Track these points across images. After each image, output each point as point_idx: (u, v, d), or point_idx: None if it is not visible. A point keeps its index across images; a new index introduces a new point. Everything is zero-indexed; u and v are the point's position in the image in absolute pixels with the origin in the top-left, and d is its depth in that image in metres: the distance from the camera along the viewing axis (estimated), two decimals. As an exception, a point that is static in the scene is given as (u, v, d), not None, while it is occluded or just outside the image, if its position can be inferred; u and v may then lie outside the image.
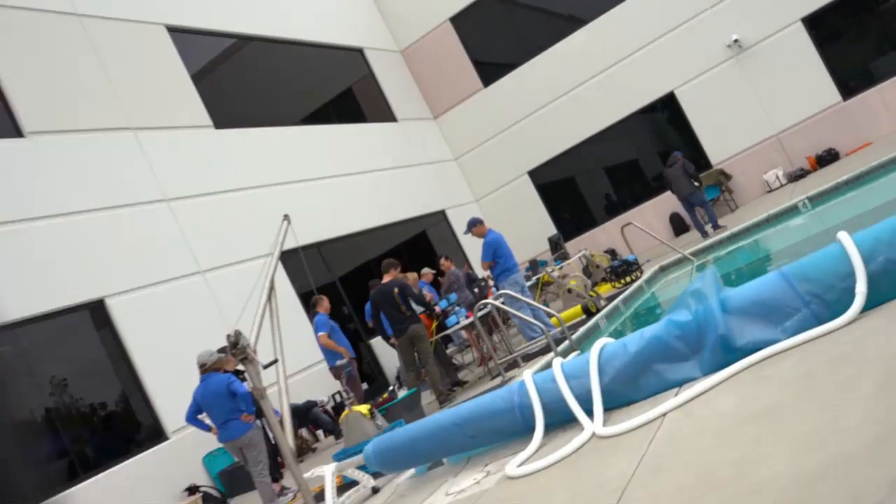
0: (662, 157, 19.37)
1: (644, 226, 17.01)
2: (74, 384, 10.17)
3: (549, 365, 6.02)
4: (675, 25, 17.92)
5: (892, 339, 3.83)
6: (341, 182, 16.03)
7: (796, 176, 17.27)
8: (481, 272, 17.37)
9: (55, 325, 10.16)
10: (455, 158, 20.57)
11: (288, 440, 5.65)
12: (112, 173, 11.54)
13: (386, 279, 10.26)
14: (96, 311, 10.56)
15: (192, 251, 12.14)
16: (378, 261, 14.99)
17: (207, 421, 7.48)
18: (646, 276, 13.59)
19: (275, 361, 5.61)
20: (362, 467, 6.16)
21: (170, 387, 10.30)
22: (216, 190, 13.07)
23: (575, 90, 19.11)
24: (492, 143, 20.18)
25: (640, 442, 4.19)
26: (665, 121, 19.18)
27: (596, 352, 5.03)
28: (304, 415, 11.31)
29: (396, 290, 10.10)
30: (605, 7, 18.63)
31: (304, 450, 11.50)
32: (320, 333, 10.08)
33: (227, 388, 7.17)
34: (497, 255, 10.66)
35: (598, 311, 11.46)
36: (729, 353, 4.56)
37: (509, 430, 5.39)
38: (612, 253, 17.53)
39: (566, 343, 9.58)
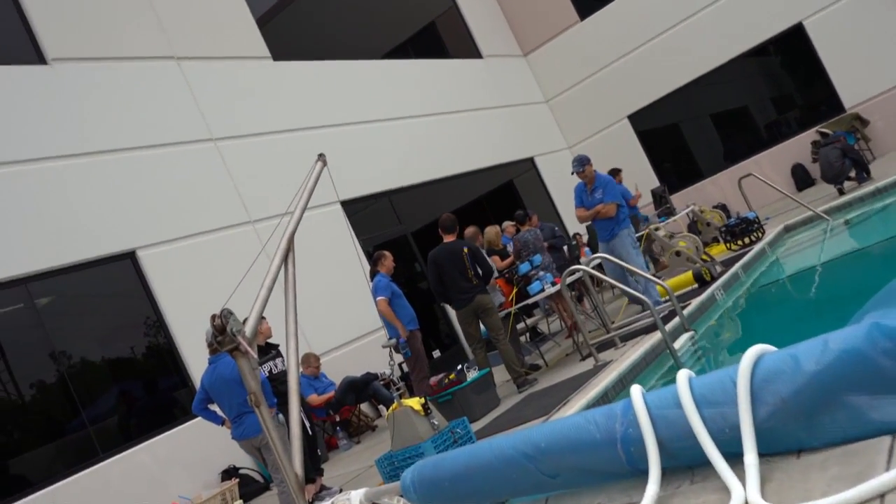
0: (778, 102, 16.92)
1: (757, 188, 14.80)
2: (96, 349, 8.92)
3: (666, 376, 4.22)
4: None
5: None
6: (416, 124, 14.33)
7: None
8: (576, 227, 15.49)
9: (78, 280, 8.89)
10: (546, 100, 18.57)
11: (294, 463, 4.07)
12: (151, 108, 10.14)
13: (448, 239, 8.56)
14: (126, 266, 9.25)
15: (241, 198, 10.70)
16: (458, 213, 13.29)
17: (220, 412, 6.02)
18: (769, 236, 11.50)
19: (273, 356, 4.00)
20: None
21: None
22: (271, 130, 11.57)
23: (683, 23, 16.77)
24: (587, 83, 18.06)
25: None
26: (786, 59, 16.67)
27: (748, 367, 3.21)
28: (363, 389, 9.83)
29: (466, 250, 8.41)
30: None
31: (362, 427, 10.04)
32: (379, 298, 8.44)
33: (238, 374, 5.66)
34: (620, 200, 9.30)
35: (714, 279, 9.55)
36: None
37: (607, 470, 3.67)
38: (724, 209, 15.36)
39: (676, 320, 7.74)
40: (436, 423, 5.92)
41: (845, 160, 12.38)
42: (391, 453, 5.92)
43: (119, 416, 8.89)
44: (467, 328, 8.47)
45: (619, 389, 6.57)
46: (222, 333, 4.01)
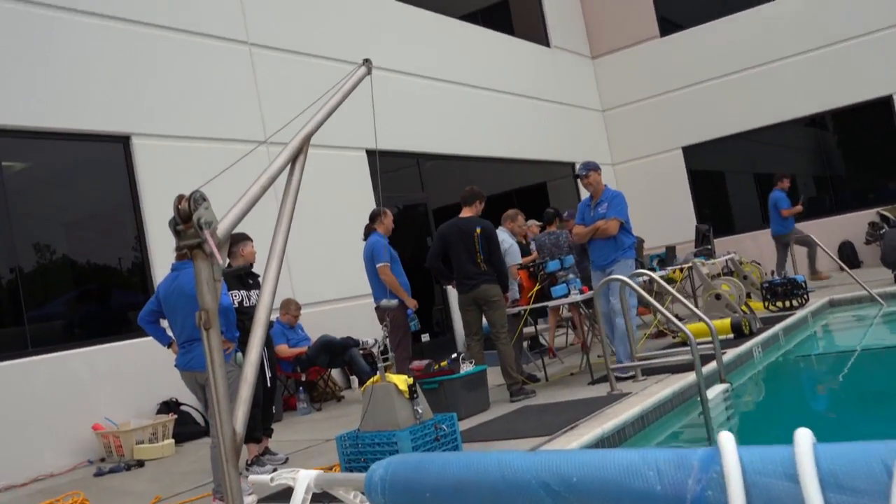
0: (840, 173, 15.80)
1: (797, 253, 13.75)
2: (57, 235, 7.88)
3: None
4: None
5: None
6: (466, 93, 13.26)
7: None
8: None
9: (56, 152, 7.84)
10: (602, 109, 17.49)
11: (236, 415, 3.04)
12: (189, -11, 9.08)
13: (466, 213, 7.52)
14: (115, 151, 8.20)
15: (262, 115, 9.64)
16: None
17: (169, 332, 4.96)
18: (813, 305, 10.44)
19: (250, 286, 2.95)
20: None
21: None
22: (312, 52, 10.49)
23: (769, 65, 15.66)
24: (651, 102, 16.97)
25: None
26: (861, 130, 15.56)
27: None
28: (339, 353, 8.78)
29: (479, 230, 7.34)
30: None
31: (328, 394, 9.00)
32: (382, 263, 7.39)
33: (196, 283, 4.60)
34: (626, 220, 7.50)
35: (753, 333, 8.48)
36: None
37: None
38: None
39: (712, 365, 6.69)
40: (419, 410, 4.87)
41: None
42: (357, 433, 4.86)
43: (62, 313, 7.84)
44: (466, 316, 7.43)
45: (637, 427, 5.53)
46: (185, 222, 2.95)
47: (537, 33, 16.13)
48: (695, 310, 6.94)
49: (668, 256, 11.34)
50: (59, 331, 7.72)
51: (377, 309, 7.46)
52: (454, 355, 6.98)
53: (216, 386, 3.01)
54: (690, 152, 16.74)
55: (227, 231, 3.12)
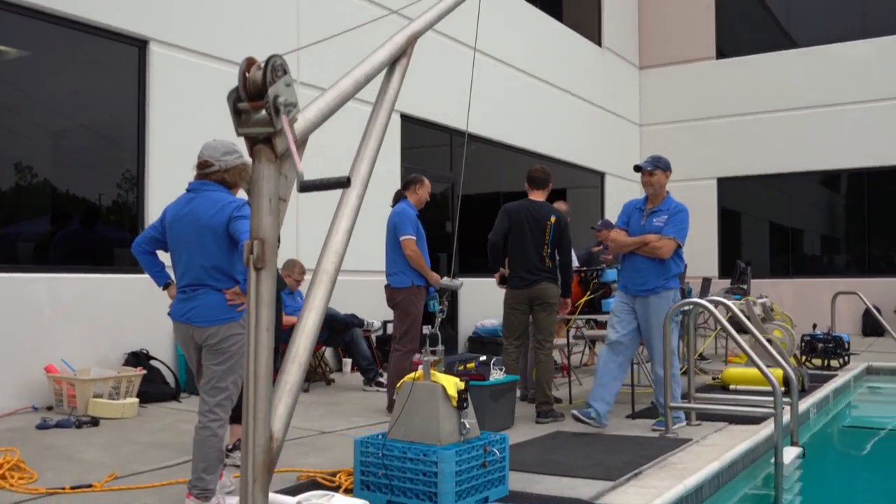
0: (877, 235, 14.89)
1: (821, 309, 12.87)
2: (43, 139, 6.73)
3: None
4: None
5: None
6: (508, 74, 12.18)
7: None
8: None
9: (67, 45, 6.69)
10: (640, 123, 16.49)
11: (275, 420, 1.96)
12: None
13: (536, 197, 6.48)
14: (127, 54, 7.06)
15: (298, 54, 8.50)
16: (506, 196, 11.13)
17: (169, 269, 3.84)
18: (855, 369, 9.49)
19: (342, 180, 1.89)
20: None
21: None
22: (365, -7, 9.39)
23: (831, 108, 14.72)
24: (693, 125, 15.98)
25: None
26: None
27: None
28: (341, 331, 7.70)
29: (554, 219, 6.34)
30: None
31: (317, 374, 7.90)
32: (407, 237, 6.32)
33: (224, 222, 3.49)
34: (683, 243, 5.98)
35: (805, 390, 7.51)
36: None
37: None
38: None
39: (786, 419, 5.67)
40: (467, 425, 3.80)
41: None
42: (385, 439, 3.79)
43: (33, 234, 6.70)
44: (513, 316, 6.37)
45: (713, 487, 4.50)
46: (254, 98, 1.88)
47: (590, 29, 15.08)
48: (776, 355, 5.92)
49: (703, 290, 10.36)
50: (25, 252, 6.58)
51: (396, 291, 6.40)
52: (483, 358, 5.93)
53: (255, 362, 1.92)
54: (726, 185, 15.80)
55: (309, 128, 2.05)
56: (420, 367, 5.78)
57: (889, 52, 14.26)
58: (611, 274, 6.66)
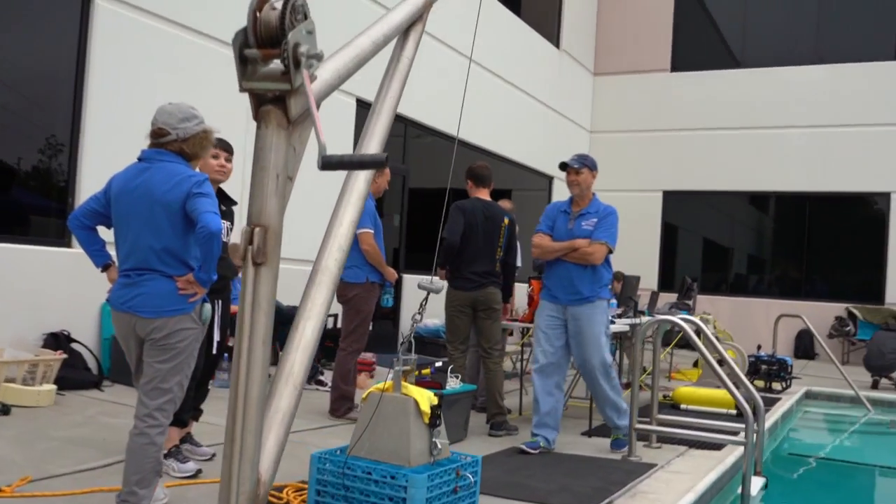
0: (815, 258, 15.04)
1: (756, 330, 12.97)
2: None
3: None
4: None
5: None
6: (464, 67, 11.79)
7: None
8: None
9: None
10: (591, 130, 16.33)
11: (263, 457, 1.53)
12: None
13: (480, 195, 6.20)
14: (72, 7, 6.43)
15: None
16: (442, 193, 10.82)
17: (110, 248, 3.31)
18: (797, 394, 9.44)
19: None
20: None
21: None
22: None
23: (778, 130, 14.80)
24: (642, 136, 15.88)
25: None
26: (849, 221, 14.89)
27: None
28: (284, 323, 7.18)
29: (507, 221, 6.16)
30: (881, 54, 14.24)
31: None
32: (363, 230, 5.92)
33: (181, 198, 2.99)
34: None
35: (756, 416, 7.34)
36: None
37: None
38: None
39: (738, 450, 5.45)
40: (439, 445, 3.42)
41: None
42: (346, 456, 3.37)
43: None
44: (458, 320, 6.03)
45: (684, 520, 4.22)
46: (268, 45, 1.45)
47: (548, 30, 14.82)
48: (745, 382, 5.70)
49: (651, 304, 10.19)
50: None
51: (350, 286, 5.96)
52: (439, 363, 5.55)
53: (246, 383, 1.50)
54: (671, 199, 15.75)
55: (325, 91, 1.63)
56: (370, 370, 5.38)
57: (839, 80, 14.40)
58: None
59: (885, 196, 14.10)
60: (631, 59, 16.12)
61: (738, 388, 8.11)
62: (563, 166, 5.50)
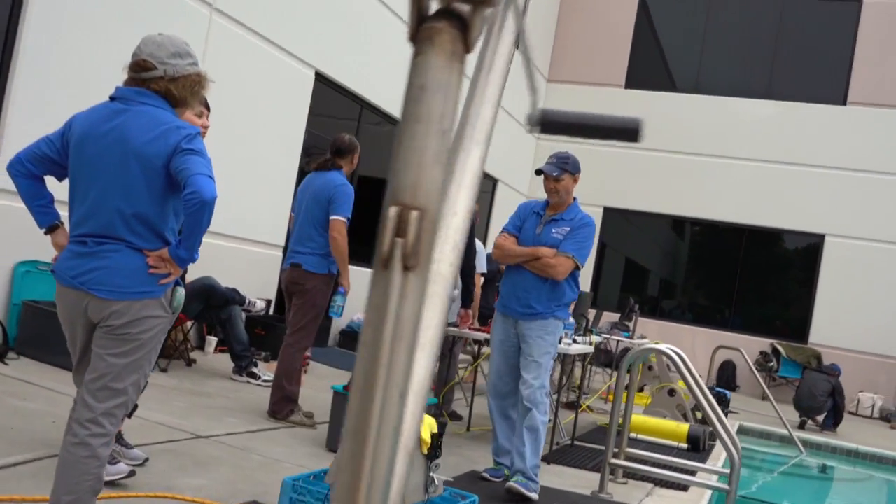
0: (745, 291, 15.12)
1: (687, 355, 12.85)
2: None
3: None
4: (883, 171, 13.76)
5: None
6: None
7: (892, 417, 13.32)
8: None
9: None
10: (537, 137, 15.98)
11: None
12: None
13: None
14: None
15: (218, -30, 7.23)
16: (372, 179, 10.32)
17: (61, 207, 2.63)
18: (733, 429, 9.25)
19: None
20: None
21: (50, 114, 5.37)
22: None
23: (722, 160, 14.78)
24: (589, 149, 15.52)
25: None
26: (779, 259, 15.04)
27: None
28: (219, 307, 6.53)
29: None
30: (831, 98, 14.36)
31: (178, 352, 6.63)
32: (340, 217, 5.30)
33: (167, 153, 2.35)
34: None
35: (704, 448, 7.10)
36: None
37: None
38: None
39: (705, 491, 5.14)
40: (436, 482, 2.88)
41: (829, 400, 10.51)
42: (326, 486, 2.80)
43: None
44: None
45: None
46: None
47: (509, 30, 14.38)
48: (720, 425, 5.34)
49: (595, 323, 9.85)
50: None
51: (300, 272, 5.35)
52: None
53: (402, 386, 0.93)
54: (611, 216, 15.57)
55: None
56: (304, 365, 4.74)
57: (786, 117, 14.46)
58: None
59: (820, 238, 14.23)
60: (586, 70, 15.87)
61: (685, 420, 7.89)
62: (539, 172, 4.82)
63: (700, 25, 15.45)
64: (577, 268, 4.65)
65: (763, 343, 14.16)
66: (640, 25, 15.78)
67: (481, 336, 6.12)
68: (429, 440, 2.89)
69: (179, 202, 2.52)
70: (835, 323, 14.04)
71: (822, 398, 10.45)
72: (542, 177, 4.83)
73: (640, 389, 9.64)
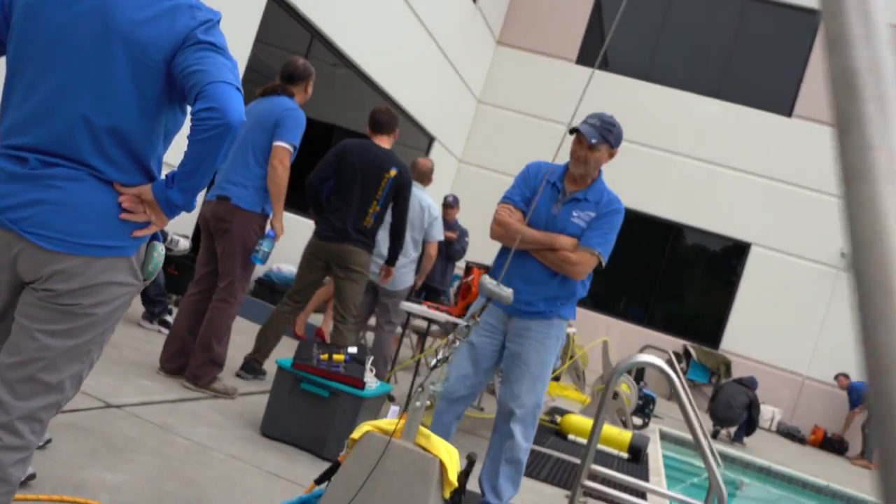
0: (666, 289, 15.00)
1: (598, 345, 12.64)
2: None
3: None
4: (817, 188, 13.73)
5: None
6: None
7: (789, 433, 13.51)
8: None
9: None
10: (480, 100, 15.28)
11: None
12: None
13: (381, 142, 5.19)
14: None
15: None
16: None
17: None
18: (654, 434, 8.96)
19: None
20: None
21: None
22: None
23: (663, 153, 14.49)
24: (532, 121, 15.03)
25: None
26: (712, 264, 14.95)
27: None
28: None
29: (395, 172, 5.11)
30: (778, 107, 14.19)
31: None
32: (287, 144, 4.50)
33: (175, 42, 1.53)
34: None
35: (641, 460, 6.67)
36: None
37: None
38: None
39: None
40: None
41: (745, 412, 10.39)
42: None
43: None
44: (307, 267, 5.14)
45: None
46: None
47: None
48: (704, 438, 4.84)
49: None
50: None
51: (222, 202, 4.54)
52: (354, 350, 4.25)
53: None
54: (542, 192, 15.05)
55: None
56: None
57: (732, 119, 14.25)
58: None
59: (746, 246, 14.16)
60: (538, 38, 15.20)
61: (624, 426, 7.44)
62: (573, 132, 3.71)
63: (660, 14, 14.99)
64: (600, 265, 3.74)
65: (675, 343, 14.05)
66: (599, 3, 15.20)
67: (442, 317, 5.43)
68: (455, 482, 2.19)
69: (173, 119, 1.70)
70: (747, 332, 14.05)
71: (738, 410, 10.31)
72: (572, 137, 3.76)
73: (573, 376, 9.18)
